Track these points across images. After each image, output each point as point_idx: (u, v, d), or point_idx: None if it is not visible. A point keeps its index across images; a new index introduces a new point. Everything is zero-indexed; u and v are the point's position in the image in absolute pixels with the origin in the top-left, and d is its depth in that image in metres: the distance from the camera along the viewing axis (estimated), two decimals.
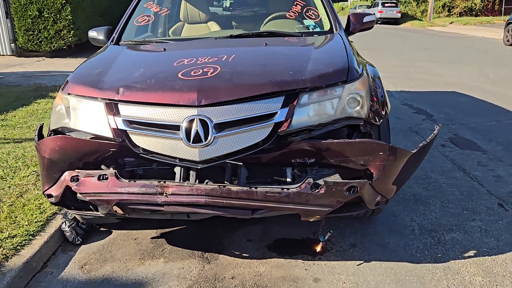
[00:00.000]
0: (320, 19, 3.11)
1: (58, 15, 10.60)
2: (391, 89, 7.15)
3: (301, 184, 2.05)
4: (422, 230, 2.82)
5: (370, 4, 32.34)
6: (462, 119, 5.29)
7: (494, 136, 4.61)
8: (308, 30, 3.06)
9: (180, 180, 2.11)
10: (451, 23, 25.92)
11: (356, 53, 2.85)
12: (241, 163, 2.16)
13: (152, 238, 2.80)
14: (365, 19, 3.27)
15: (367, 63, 2.82)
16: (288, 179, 2.22)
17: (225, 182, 2.11)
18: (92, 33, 3.20)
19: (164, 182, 2.04)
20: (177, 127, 2.02)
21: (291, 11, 3.12)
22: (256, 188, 2.04)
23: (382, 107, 2.42)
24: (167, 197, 2.01)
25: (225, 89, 2.06)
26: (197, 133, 1.98)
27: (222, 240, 2.75)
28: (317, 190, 2.03)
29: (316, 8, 3.16)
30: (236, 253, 2.62)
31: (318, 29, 3.05)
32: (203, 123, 1.99)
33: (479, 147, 4.31)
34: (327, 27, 3.05)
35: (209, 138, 1.99)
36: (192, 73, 2.17)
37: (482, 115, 5.48)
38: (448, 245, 2.65)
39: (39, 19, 10.58)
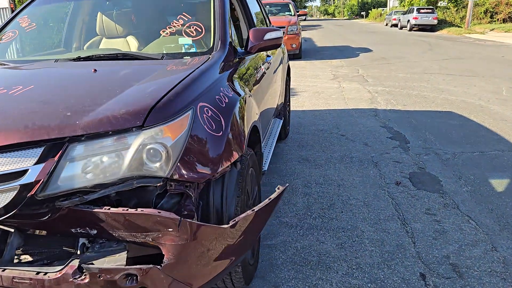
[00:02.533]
0: (202, 36, 2.56)
1: None
2: (379, 107, 6.42)
3: (63, 268, 1.53)
4: None
5: (406, 11, 30.91)
6: (440, 148, 4.52)
7: (467, 172, 3.85)
8: (177, 51, 2.52)
9: None
10: (491, 30, 24.19)
11: (231, 79, 2.29)
12: (13, 229, 1.67)
13: None
14: (267, 36, 2.69)
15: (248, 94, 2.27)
16: (79, 251, 1.71)
17: None
18: None
19: None
20: None
21: (169, 27, 2.59)
22: (3, 270, 1.55)
23: (228, 156, 1.86)
24: None
25: None
26: None
27: None
28: (80, 278, 1.51)
29: (202, 23, 2.61)
30: None
31: (193, 50, 2.51)
32: None
33: (441, 187, 3.58)
34: (208, 46, 2.50)
35: None
36: None
37: (466, 143, 4.68)
38: None
39: None
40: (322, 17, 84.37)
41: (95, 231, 1.61)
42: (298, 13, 13.54)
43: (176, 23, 2.59)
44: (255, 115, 2.44)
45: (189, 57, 2.39)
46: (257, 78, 2.92)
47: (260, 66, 3.09)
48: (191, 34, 2.54)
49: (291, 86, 8.32)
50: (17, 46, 2.72)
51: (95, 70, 2.11)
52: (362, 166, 4.09)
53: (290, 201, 3.37)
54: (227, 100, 2.04)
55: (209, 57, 2.33)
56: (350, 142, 4.82)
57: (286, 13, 13.53)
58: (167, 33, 2.57)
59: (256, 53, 2.94)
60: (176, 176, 1.65)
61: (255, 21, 3.61)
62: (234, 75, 2.41)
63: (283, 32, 12.19)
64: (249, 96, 2.42)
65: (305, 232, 2.91)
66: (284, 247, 2.74)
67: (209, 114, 1.87)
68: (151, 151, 1.62)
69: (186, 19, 2.62)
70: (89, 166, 1.57)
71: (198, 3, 2.86)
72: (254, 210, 1.71)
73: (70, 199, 1.57)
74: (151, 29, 2.74)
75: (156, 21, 2.81)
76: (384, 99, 7.01)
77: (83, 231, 1.63)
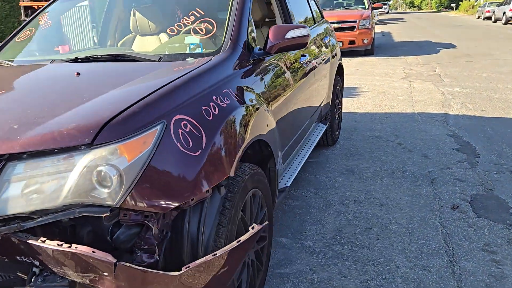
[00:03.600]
0: (213, 34, 2.26)
1: None
2: (451, 112, 5.67)
3: None
4: None
5: (501, 2, 27.98)
6: None
7: None
8: (180, 52, 2.24)
9: None
10: None
11: (236, 84, 1.98)
12: None
13: None
14: (289, 35, 2.32)
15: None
16: (31, 280, 1.52)
17: None
18: None
19: None
20: None
21: (177, 24, 2.33)
22: None
23: (207, 179, 1.56)
24: None
25: None
26: None
27: None
28: None
29: (216, 19, 2.31)
30: None
31: (199, 50, 2.21)
32: None
33: (509, 216, 2.95)
34: (217, 45, 2.20)
35: None
36: None
37: None
38: None
39: None
40: (408, 10, 79.84)
41: (37, 262, 1.41)
42: (372, 6, 12.70)
43: (186, 20, 2.33)
44: (264, 127, 2.10)
45: (192, 58, 2.11)
46: (282, 82, 2.56)
47: (288, 68, 2.72)
48: (200, 32, 2.26)
49: (353, 85, 7.77)
50: (31, 44, 2.64)
51: (78, 74, 1.92)
52: (415, 182, 3.55)
53: (320, 221, 2.97)
54: (217, 112, 1.73)
55: (210, 59, 2.03)
56: (406, 153, 4.26)
57: (359, 6, 12.76)
58: (174, 31, 2.31)
59: (280, 53, 2.58)
60: (129, 206, 1.38)
61: (294, 17, 3.23)
62: (243, 79, 2.09)
63: (355, 27, 11.53)
64: (258, 105, 2.08)
65: (327, 261, 2.51)
66: (299, 278, 2.37)
67: (187, 129, 1.58)
68: (101, 174, 1.37)
69: (199, 15, 2.34)
70: (28, 189, 1.36)
71: None
72: (215, 254, 1.39)
73: (8, 225, 1.37)
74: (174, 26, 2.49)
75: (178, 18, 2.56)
76: (459, 102, 6.21)
77: (27, 260, 1.43)
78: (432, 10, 66.98)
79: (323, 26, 4.23)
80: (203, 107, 1.69)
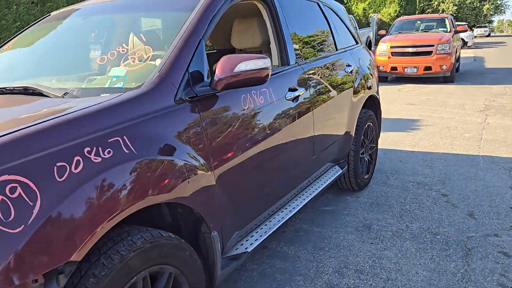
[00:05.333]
0: (146, 64, 1.88)
1: None
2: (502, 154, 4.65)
3: None
4: None
5: None
6: None
7: None
8: (98, 86, 1.87)
9: None
10: None
11: (136, 132, 1.58)
12: None
13: None
14: (239, 68, 1.85)
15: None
16: None
17: None
18: None
19: None
20: None
21: (111, 53, 1.98)
22: None
23: (33, 264, 1.16)
24: None
25: None
26: None
27: None
28: None
29: (156, 46, 1.93)
30: None
31: (119, 85, 1.83)
32: None
33: None
34: (143, 79, 1.80)
35: None
36: None
37: None
38: None
39: None
40: None
41: None
42: (456, 29, 11.48)
43: (122, 48, 1.98)
44: (184, 186, 1.64)
45: (108, 94, 1.74)
46: (243, 126, 2.08)
47: (258, 106, 2.23)
48: (132, 62, 1.90)
49: (415, 118, 6.88)
50: None
51: None
52: (444, 252, 2.79)
53: None
54: (78, 170, 1.32)
55: (119, 95, 1.64)
56: (448, 208, 3.46)
57: (440, 29, 11.63)
58: (104, 60, 1.97)
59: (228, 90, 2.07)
60: None
61: (291, 44, 2.73)
62: (162, 123, 1.67)
63: (432, 52, 10.51)
64: (177, 158, 1.64)
65: None
66: None
67: (14, 195, 1.19)
68: None
69: (140, 42, 1.99)
70: None
71: (168, 18, 2.19)
72: None
73: None
74: (107, 54, 2.17)
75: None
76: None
77: None
78: None
79: (351, 52, 3.65)
80: (59, 164, 1.30)
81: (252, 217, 2.26)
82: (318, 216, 3.38)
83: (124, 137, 1.51)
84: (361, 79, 3.61)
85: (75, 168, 1.32)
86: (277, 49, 2.67)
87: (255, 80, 1.91)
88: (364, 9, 23.59)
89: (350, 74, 3.42)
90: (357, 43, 4.01)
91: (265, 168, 2.26)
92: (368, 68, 3.88)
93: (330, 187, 3.92)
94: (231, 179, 1.98)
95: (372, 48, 14.26)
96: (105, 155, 1.41)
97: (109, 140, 1.46)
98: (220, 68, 1.86)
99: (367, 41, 14.56)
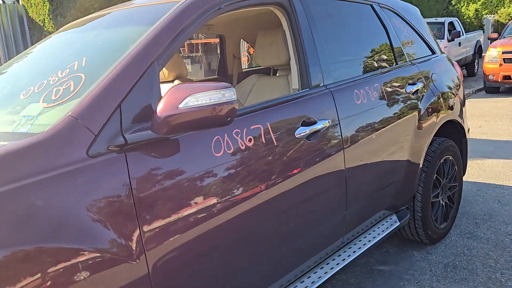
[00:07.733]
0: (68, 99, 1.39)
1: None
2: None
3: None
4: None
5: None
6: None
7: None
8: (5, 129, 1.41)
9: None
10: None
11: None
12: None
13: None
14: (185, 104, 1.27)
15: None
16: None
17: None
18: None
19: None
20: None
21: (39, 84, 1.53)
22: None
23: None
24: None
25: None
26: None
27: None
28: None
29: (88, 77, 1.44)
30: None
31: (24, 129, 1.35)
32: None
33: None
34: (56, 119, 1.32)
35: None
36: None
37: None
38: None
39: None
40: None
41: None
42: None
43: (53, 77, 1.53)
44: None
45: (5, 142, 1.29)
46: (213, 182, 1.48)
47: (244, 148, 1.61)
48: (54, 96, 1.42)
49: None
50: None
51: None
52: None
53: None
54: None
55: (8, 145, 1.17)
56: None
57: None
58: (25, 95, 1.53)
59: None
60: None
61: (316, 60, 2.06)
62: (52, 190, 1.15)
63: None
64: (48, 246, 1.12)
65: None
66: None
67: None
68: None
69: (74, 69, 1.52)
70: None
71: (122, 35, 1.68)
72: None
73: None
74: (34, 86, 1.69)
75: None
76: None
77: None
78: None
79: (420, 66, 2.82)
80: None
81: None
82: (367, 279, 2.60)
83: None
84: (433, 100, 2.75)
85: None
86: (297, 68, 2.02)
87: (211, 120, 1.31)
88: (476, 10, 21.02)
89: (413, 94, 2.60)
90: (433, 53, 3.14)
91: (247, 251, 1.63)
92: (447, 85, 2.99)
93: (392, 236, 3.08)
94: (175, 268, 1.39)
95: (482, 54, 12.40)
96: None
97: None
98: (162, 104, 1.30)
99: (476, 46, 12.73)
